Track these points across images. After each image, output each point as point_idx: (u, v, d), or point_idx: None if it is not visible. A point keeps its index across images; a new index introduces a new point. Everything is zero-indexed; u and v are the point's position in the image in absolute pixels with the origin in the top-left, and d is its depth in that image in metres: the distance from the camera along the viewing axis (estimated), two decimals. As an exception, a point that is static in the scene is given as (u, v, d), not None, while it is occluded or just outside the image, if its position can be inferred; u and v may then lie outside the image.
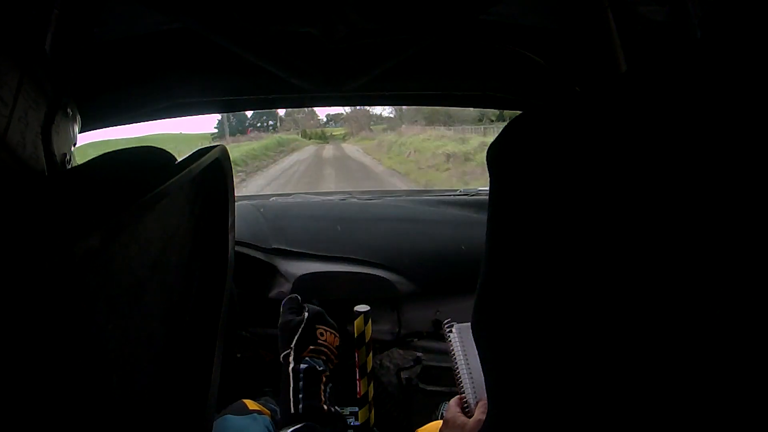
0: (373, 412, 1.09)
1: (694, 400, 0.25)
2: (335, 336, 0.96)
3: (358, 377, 1.07)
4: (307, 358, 0.88)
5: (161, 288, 0.36)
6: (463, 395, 0.74)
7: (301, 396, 0.83)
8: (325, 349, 0.92)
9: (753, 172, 0.24)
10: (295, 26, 0.76)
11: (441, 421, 0.89)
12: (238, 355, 1.22)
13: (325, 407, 0.83)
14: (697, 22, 0.65)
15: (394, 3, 0.74)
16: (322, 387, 0.85)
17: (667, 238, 0.25)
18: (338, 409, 0.85)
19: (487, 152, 0.32)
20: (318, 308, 0.99)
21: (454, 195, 1.46)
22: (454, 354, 0.78)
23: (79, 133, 0.87)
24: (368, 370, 1.07)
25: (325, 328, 0.95)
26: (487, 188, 0.32)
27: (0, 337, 0.20)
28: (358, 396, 1.07)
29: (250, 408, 0.93)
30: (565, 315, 0.27)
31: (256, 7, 0.73)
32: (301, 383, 0.84)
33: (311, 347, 0.90)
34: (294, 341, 0.90)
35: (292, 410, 0.81)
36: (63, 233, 0.24)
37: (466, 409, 0.72)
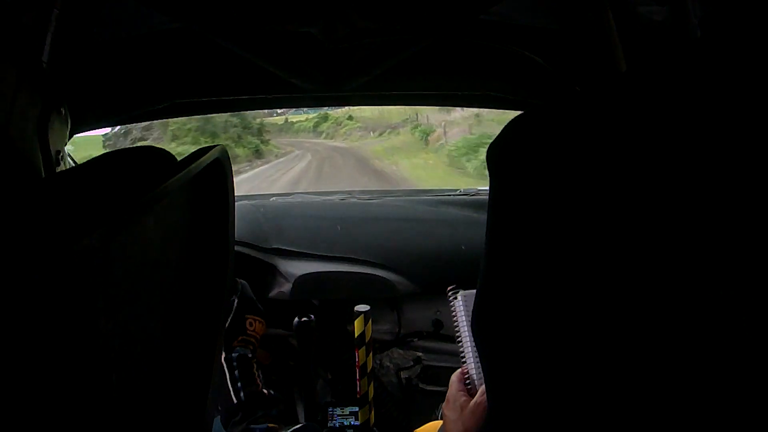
0: (373, 412, 1.09)
1: (692, 399, 0.25)
2: (263, 324, 0.94)
3: (358, 377, 1.07)
4: (237, 348, 0.87)
5: (161, 287, 0.36)
6: (465, 368, 0.70)
7: (239, 384, 0.82)
8: (253, 339, 0.91)
9: (752, 171, 0.24)
10: (295, 26, 0.76)
11: (440, 422, 0.88)
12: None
13: (265, 391, 0.83)
14: (697, 22, 0.65)
15: (394, 3, 0.74)
16: (256, 373, 0.85)
17: (667, 238, 0.25)
18: (273, 392, 0.85)
19: (488, 152, 0.32)
20: (249, 295, 0.96)
21: (454, 195, 1.46)
22: (457, 322, 0.74)
23: (79, 132, 0.87)
24: (368, 370, 1.07)
25: (254, 317, 0.93)
26: (487, 188, 0.32)
27: (0, 336, 0.20)
28: (358, 396, 1.08)
29: None
30: (564, 314, 0.27)
31: (255, 7, 0.73)
32: (236, 372, 0.83)
33: (241, 337, 0.89)
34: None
35: (234, 400, 0.81)
36: (63, 232, 0.24)
37: (468, 384, 0.68)
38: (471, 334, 0.71)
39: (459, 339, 0.74)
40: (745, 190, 0.24)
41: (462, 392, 0.67)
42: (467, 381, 0.69)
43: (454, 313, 0.76)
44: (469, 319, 0.69)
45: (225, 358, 0.86)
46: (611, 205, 0.26)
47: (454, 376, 0.70)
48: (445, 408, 0.69)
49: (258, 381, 0.85)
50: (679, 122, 0.25)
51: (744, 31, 0.27)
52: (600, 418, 0.27)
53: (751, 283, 0.23)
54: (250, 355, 0.87)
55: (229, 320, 0.90)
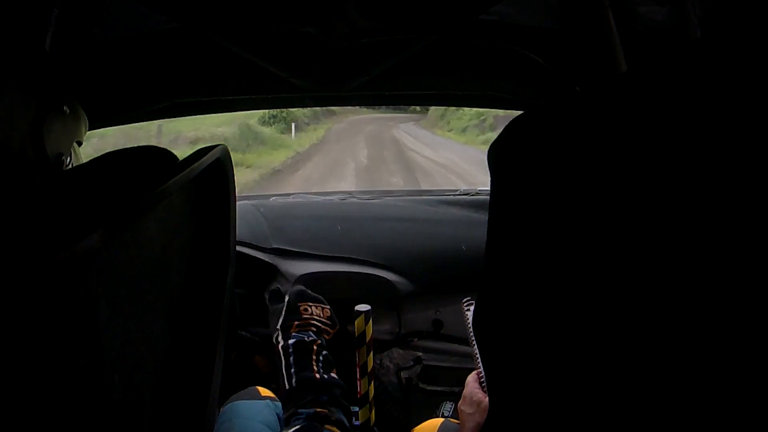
0: (373, 411, 1.09)
1: (692, 399, 0.25)
2: (323, 308, 0.94)
3: (358, 377, 1.07)
4: (293, 333, 0.87)
5: (162, 287, 0.36)
6: (480, 370, 0.73)
7: (293, 371, 0.82)
8: (314, 322, 0.90)
9: (752, 171, 0.24)
10: (295, 26, 0.76)
11: (438, 420, 0.89)
12: (232, 357, 1.22)
13: (318, 376, 0.82)
14: (697, 22, 0.65)
15: (394, 3, 0.74)
16: (314, 357, 0.84)
17: (667, 238, 0.25)
18: (334, 376, 0.84)
19: (488, 152, 0.32)
20: (299, 288, 0.97)
21: (454, 195, 1.46)
22: (471, 329, 0.76)
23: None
24: (368, 370, 1.07)
25: (308, 303, 0.93)
26: (487, 188, 0.32)
27: (2, 337, 0.20)
28: (358, 396, 1.08)
29: (263, 394, 0.94)
30: (564, 314, 0.27)
31: (255, 7, 0.73)
32: (291, 358, 0.83)
33: (296, 323, 0.89)
34: (279, 323, 0.89)
35: (287, 386, 0.81)
36: (65, 233, 0.24)
37: (483, 384, 0.72)
38: None
39: (473, 343, 0.76)
40: (745, 191, 0.24)
41: (478, 389, 0.71)
42: (482, 382, 0.73)
43: (468, 320, 0.78)
44: None
45: (282, 347, 0.85)
46: (611, 206, 0.26)
47: (470, 377, 0.74)
48: (462, 404, 0.72)
49: (314, 366, 0.83)
50: (679, 123, 0.25)
51: (744, 31, 0.27)
52: (599, 419, 0.27)
53: (751, 283, 0.24)
54: (308, 339, 0.86)
55: (283, 314, 0.90)
